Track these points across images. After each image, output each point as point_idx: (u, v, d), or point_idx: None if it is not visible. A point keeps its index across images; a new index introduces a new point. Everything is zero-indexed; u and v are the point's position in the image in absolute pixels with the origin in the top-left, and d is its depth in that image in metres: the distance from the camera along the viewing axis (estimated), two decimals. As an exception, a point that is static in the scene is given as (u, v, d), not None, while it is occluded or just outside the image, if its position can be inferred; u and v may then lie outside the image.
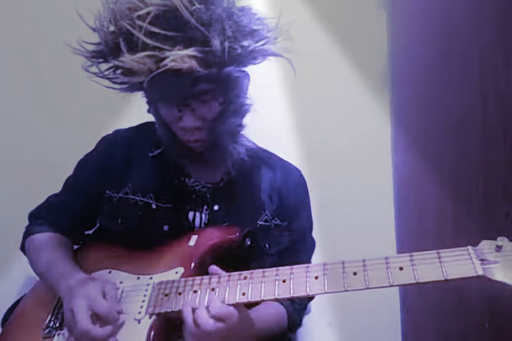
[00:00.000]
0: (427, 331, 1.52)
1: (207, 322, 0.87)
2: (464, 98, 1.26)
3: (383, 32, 1.74)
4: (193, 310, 0.90)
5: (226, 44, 0.95)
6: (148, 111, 1.11)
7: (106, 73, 1.02)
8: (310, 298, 1.21)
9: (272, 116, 1.61)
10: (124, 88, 1.02)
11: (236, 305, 0.90)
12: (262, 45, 0.99)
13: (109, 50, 0.98)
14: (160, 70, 0.92)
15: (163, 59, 0.92)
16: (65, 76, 1.56)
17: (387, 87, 1.74)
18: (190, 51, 0.92)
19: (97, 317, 0.92)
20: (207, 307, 0.89)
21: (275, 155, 1.26)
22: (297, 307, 1.15)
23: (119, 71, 1.00)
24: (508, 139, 1.04)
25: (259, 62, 1.05)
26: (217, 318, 0.87)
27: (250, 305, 1.04)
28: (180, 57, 0.91)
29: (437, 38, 1.42)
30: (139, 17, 0.94)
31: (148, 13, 0.93)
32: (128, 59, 0.94)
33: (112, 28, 0.98)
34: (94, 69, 1.02)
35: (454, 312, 1.32)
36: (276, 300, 1.09)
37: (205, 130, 1.05)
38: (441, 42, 1.39)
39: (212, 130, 1.05)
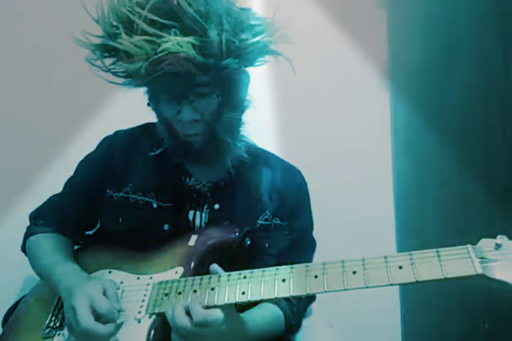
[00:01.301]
0: (427, 331, 1.52)
1: (185, 323, 0.87)
2: (465, 98, 1.26)
3: (383, 32, 1.74)
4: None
5: (224, 36, 0.96)
6: (148, 104, 1.11)
7: (110, 67, 1.02)
8: (311, 301, 1.21)
9: (271, 116, 1.61)
10: (126, 83, 1.03)
11: (223, 308, 0.89)
12: (260, 39, 1.00)
13: (110, 39, 0.99)
14: (159, 55, 0.93)
15: (160, 45, 0.93)
16: (68, 74, 1.57)
17: (387, 87, 1.73)
18: (189, 38, 0.93)
19: (98, 316, 0.92)
20: (187, 311, 0.89)
21: (275, 155, 1.26)
22: (295, 311, 1.14)
23: (120, 62, 1.00)
24: (509, 139, 1.04)
25: (258, 65, 1.06)
26: (201, 324, 0.87)
27: (245, 308, 1.04)
28: (179, 42, 0.92)
29: (437, 37, 1.42)
30: (138, 4, 0.95)
31: (147, 1, 0.95)
32: (126, 41, 0.95)
33: (112, 19, 0.99)
34: (98, 63, 1.03)
35: (454, 313, 1.32)
36: (274, 302, 1.10)
37: (204, 123, 1.05)
38: (442, 41, 1.39)
39: (210, 124, 1.05)
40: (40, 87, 1.67)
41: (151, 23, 0.95)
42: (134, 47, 0.95)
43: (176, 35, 0.93)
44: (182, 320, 0.88)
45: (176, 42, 0.92)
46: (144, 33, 0.94)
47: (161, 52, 0.93)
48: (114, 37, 0.98)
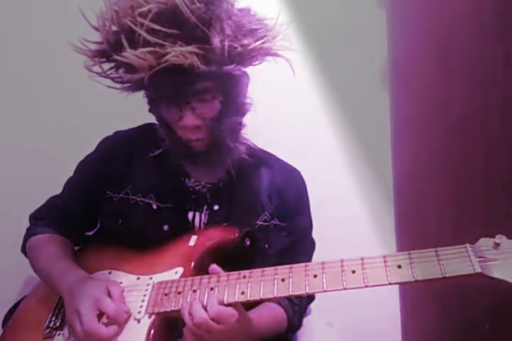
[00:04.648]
0: (427, 330, 1.51)
1: (202, 317, 0.87)
2: (465, 98, 1.26)
3: (383, 32, 1.74)
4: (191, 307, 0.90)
5: (226, 42, 0.96)
6: (150, 110, 1.12)
7: (108, 72, 1.03)
8: (310, 300, 1.22)
9: (271, 117, 1.61)
10: (125, 87, 1.03)
11: (234, 305, 0.90)
12: (262, 43, 1.00)
13: (110, 48, 1.00)
14: (162, 65, 0.93)
15: (164, 55, 0.93)
16: (67, 76, 1.57)
17: (387, 87, 1.73)
18: (192, 48, 0.94)
19: (102, 317, 0.92)
20: (204, 307, 0.89)
21: (274, 156, 1.26)
22: (297, 310, 1.15)
23: (121, 70, 1.01)
24: (509, 139, 1.04)
25: (258, 64, 1.06)
26: (216, 320, 0.87)
27: (250, 307, 1.04)
28: (182, 53, 0.92)
29: (437, 37, 1.42)
30: (140, 14, 0.95)
31: (149, 11, 0.95)
32: (130, 54, 0.95)
33: (113, 28, 0.99)
34: (96, 68, 1.03)
35: (454, 313, 1.32)
36: (276, 301, 1.10)
37: (206, 128, 1.05)
38: (442, 41, 1.39)
39: (212, 128, 1.05)
40: (39, 87, 1.67)
41: (154, 32, 0.95)
42: (138, 60, 0.95)
43: (178, 43, 0.93)
44: (198, 313, 0.87)
45: (180, 54, 0.92)
46: (147, 42, 0.95)
47: (164, 62, 0.93)
48: (115, 46, 0.98)
